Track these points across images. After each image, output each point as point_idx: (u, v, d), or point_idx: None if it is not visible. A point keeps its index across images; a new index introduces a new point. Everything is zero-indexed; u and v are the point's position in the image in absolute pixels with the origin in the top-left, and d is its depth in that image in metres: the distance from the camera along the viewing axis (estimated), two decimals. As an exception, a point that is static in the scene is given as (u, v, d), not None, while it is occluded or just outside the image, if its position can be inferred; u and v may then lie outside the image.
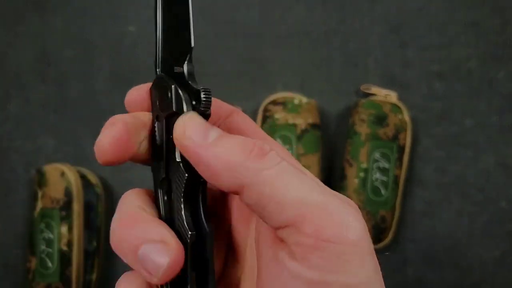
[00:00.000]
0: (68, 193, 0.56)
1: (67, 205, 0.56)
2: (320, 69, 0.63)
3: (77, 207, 0.56)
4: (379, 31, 0.63)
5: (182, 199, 0.19)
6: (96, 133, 0.68)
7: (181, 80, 0.20)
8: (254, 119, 0.61)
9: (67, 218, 0.56)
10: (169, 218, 0.19)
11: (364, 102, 0.58)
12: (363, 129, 0.57)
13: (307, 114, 0.58)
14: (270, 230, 0.18)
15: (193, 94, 0.19)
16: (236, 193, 0.17)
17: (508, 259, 0.60)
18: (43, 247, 0.55)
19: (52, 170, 0.57)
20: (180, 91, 0.19)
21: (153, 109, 0.21)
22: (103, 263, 0.61)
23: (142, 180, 0.62)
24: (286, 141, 0.57)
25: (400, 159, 0.57)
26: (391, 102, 0.58)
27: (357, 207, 0.17)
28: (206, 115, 0.19)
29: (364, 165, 0.57)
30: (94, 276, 0.58)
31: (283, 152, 0.20)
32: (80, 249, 0.56)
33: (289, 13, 0.64)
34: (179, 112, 0.19)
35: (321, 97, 0.62)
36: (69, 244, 0.55)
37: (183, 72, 0.20)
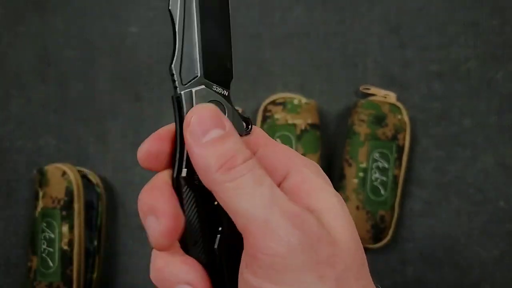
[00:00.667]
0: (69, 193, 0.56)
1: (68, 204, 0.56)
2: (320, 70, 0.63)
3: (78, 207, 0.56)
4: (379, 32, 0.63)
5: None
6: (97, 132, 0.68)
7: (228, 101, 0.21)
8: (254, 119, 0.61)
9: (68, 217, 0.56)
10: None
11: (363, 103, 0.59)
12: (362, 129, 0.57)
13: (306, 114, 0.58)
14: None
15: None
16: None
17: (507, 259, 0.60)
18: (44, 246, 0.56)
19: (53, 170, 0.57)
20: (238, 116, 0.21)
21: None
22: (104, 262, 0.61)
23: (142, 180, 0.63)
24: (286, 141, 0.57)
25: (399, 159, 0.58)
26: (390, 102, 0.58)
27: (311, 221, 0.18)
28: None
29: (363, 165, 0.57)
30: (95, 275, 0.59)
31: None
32: (81, 248, 0.56)
33: (289, 14, 0.64)
34: None
35: (320, 97, 0.62)
36: (70, 243, 0.56)
37: (226, 95, 0.21)
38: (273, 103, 0.59)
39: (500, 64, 0.62)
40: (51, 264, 0.55)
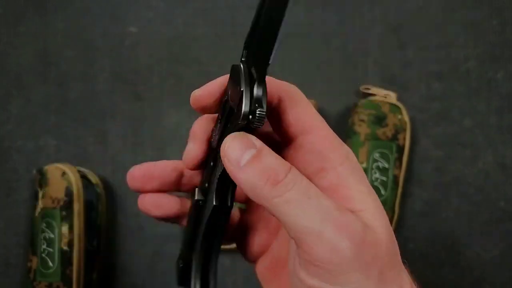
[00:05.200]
0: (68, 193, 0.56)
1: (68, 204, 0.56)
2: (320, 70, 0.64)
3: (77, 207, 0.56)
4: (379, 32, 0.63)
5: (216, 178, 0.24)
6: (97, 133, 0.68)
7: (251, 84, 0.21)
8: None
9: (67, 217, 0.56)
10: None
11: (363, 102, 0.59)
12: (362, 129, 0.57)
13: (306, 114, 0.58)
14: None
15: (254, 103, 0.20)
16: None
17: (507, 259, 0.60)
18: (44, 246, 0.56)
19: (53, 170, 0.57)
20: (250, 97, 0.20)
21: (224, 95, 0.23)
22: (104, 263, 0.61)
23: (143, 180, 0.63)
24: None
25: (399, 159, 0.58)
26: (391, 102, 0.58)
27: (358, 228, 0.20)
28: (253, 129, 0.21)
29: (363, 165, 0.57)
30: (94, 276, 0.59)
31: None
32: (80, 248, 0.56)
33: (289, 13, 0.64)
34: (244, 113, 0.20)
35: (320, 97, 0.62)
36: (70, 243, 0.56)
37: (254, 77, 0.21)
38: (273, 103, 0.59)
39: (500, 64, 0.63)
40: (51, 264, 0.55)
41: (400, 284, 0.21)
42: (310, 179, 0.22)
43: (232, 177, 0.21)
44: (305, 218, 0.20)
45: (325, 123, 0.23)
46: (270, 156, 0.21)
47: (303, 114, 0.23)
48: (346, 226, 0.20)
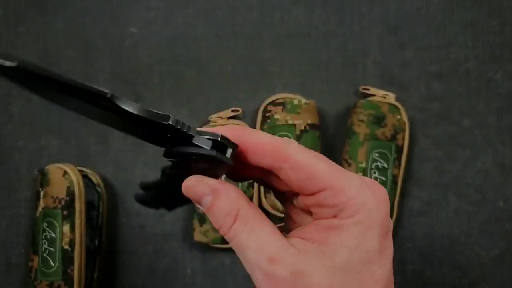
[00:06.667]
0: (70, 193, 0.57)
1: (69, 204, 0.56)
2: (320, 70, 0.64)
3: (79, 207, 0.57)
4: (378, 32, 0.64)
5: None
6: (97, 133, 0.68)
7: None
8: (254, 119, 0.61)
9: (69, 217, 0.56)
10: None
11: (362, 103, 0.59)
12: (361, 129, 0.58)
13: (306, 115, 0.58)
14: None
15: None
16: None
17: (506, 258, 0.61)
18: (45, 246, 0.56)
19: (55, 170, 0.58)
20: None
21: None
22: (105, 262, 0.61)
23: (143, 180, 0.63)
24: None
25: (398, 159, 0.58)
26: (390, 103, 0.58)
27: (283, 275, 0.23)
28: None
29: (362, 165, 0.57)
30: (95, 275, 0.59)
31: None
32: (82, 248, 0.57)
33: (289, 14, 0.64)
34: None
35: (320, 97, 0.62)
36: (71, 243, 0.56)
37: None
38: (273, 103, 0.59)
39: (499, 64, 0.63)
40: (52, 263, 0.56)
41: None
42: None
43: None
44: (256, 257, 0.23)
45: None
46: (219, 207, 0.24)
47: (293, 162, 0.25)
48: (269, 275, 0.23)
